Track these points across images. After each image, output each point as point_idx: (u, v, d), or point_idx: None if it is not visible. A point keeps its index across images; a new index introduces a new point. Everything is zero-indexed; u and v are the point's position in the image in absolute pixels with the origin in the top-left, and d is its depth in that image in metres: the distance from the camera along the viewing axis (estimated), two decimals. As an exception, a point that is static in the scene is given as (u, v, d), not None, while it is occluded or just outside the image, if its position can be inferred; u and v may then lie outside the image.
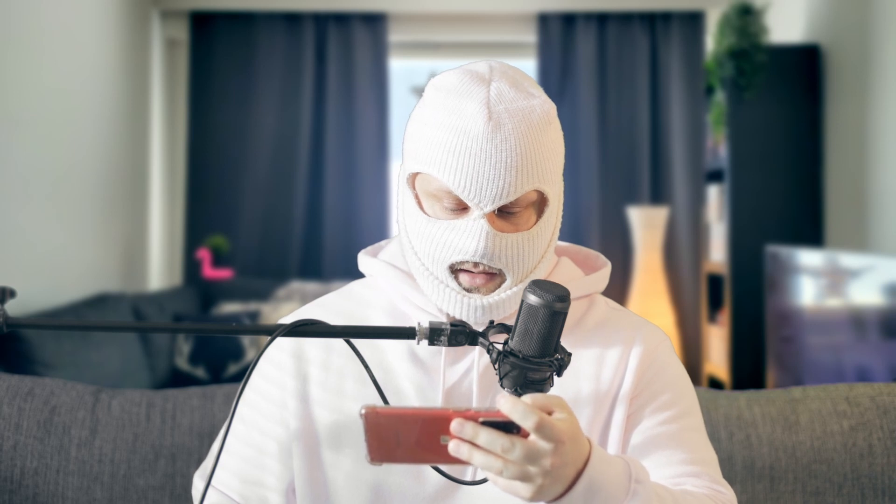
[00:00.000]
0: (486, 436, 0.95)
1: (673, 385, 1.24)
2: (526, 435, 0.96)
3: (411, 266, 1.21)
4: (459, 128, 1.13)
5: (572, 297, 1.23)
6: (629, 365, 1.23)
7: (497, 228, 1.14)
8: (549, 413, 0.98)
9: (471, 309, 1.17)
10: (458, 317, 1.19)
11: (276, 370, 1.26)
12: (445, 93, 1.16)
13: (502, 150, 1.12)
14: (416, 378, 1.21)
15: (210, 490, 1.26)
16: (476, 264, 1.16)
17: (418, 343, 1.12)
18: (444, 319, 1.20)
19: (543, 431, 0.95)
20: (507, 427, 0.95)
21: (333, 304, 1.30)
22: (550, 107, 1.17)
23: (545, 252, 1.20)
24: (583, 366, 1.22)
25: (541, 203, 1.18)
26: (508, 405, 0.95)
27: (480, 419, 0.95)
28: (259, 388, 1.27)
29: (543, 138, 1.14)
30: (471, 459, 0.95)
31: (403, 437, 0.97)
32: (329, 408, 1.23)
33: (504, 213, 1.15)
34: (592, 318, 1.26)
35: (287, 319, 1.26)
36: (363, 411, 0.96)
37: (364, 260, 1.30)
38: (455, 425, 0.95)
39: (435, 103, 1.17)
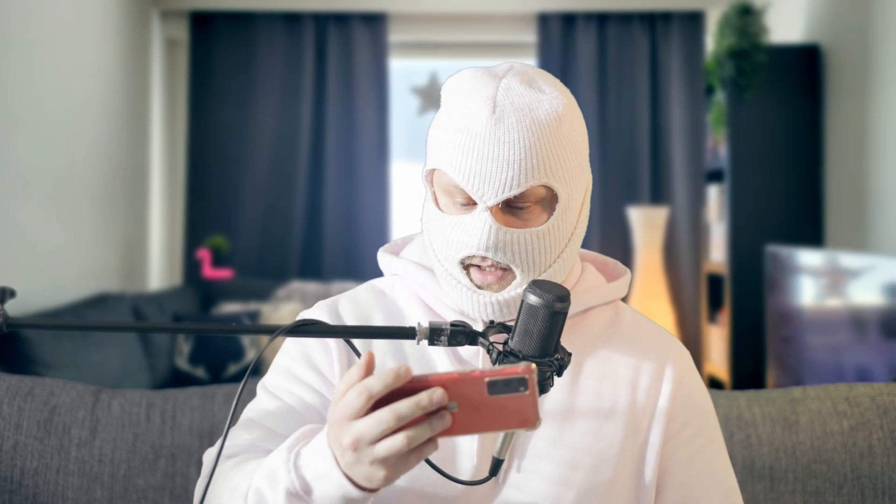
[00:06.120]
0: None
1: (701, 408, 1.26)
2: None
3: (433, 264, 1.22)
4: (465, 123, 1.14)
5: (598, 303, 1.25)
6: (664, 384, 1.24)
7: (504, 223, 1.14)
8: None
9: (481, 306, 1.17)
10: (471, 314, 1.19)
11: (324, 355, 1.24)
12: (457, 90, 1.17)
13: (504, 144, 1.12)
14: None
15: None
16: (484, 259, 1.16)
17: (418, 343, 1.11)
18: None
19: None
20: (513, 384, 0.94)
21: (367, 299, 1.29)
22: (562, 103, 1.15)
23: (560, 252, 1.19)
24: (621, 371, 1.23)
25: (551, 200, 1.17)
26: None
27: (487, 379, 0.94)
28: (305, 368, 1.25)
29: (552, 133, 1.13)
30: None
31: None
32: None
33: (513, 209, 1.15)
34: (625, 322, 1.27)
35: (323, 307, 1.27)
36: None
37: (386, 258, 1.30)
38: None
39: (447, 100, 1.18)
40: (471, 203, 1.15)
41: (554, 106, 1.14)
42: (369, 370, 0.97)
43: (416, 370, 1.22)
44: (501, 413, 0.95)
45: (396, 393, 0.95)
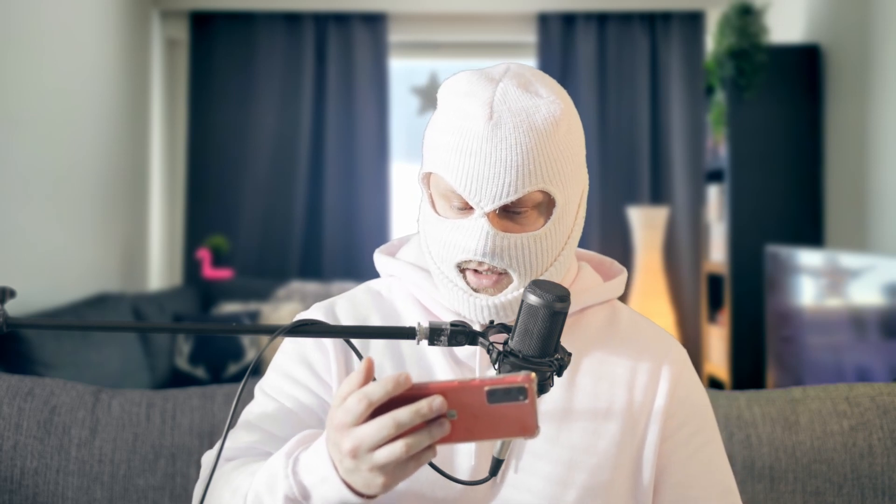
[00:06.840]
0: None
1: (698, 407, 1.26)
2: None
3: (429, 266, 1.22)
4: (462, 127, 1.14)
5: (594, 302, 1.25)
6: (661, 383, 1.24)
7: (501, 228, 1.14)
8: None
9: (477, 309, 1.17)
10: (467, 317, 1.19)
11: (321, 356, 1.24)
12: (454, 94, 1.17)
13: (502, 149, 1.11)
14: (453, 378, 1.21)
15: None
16: (481, 263, 1.16)
17: (418, 343, 1.11)
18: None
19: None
20: (513, 393, 0.94)
21: (365, 301, 1.28)
22: (559, 107, 1.15)
23: (558, 255, 1.19)
24: (618, 371, 1.23)
25: (548, 204, 1.16)
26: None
27: (486, 387, 0.94)
28: (302, 370, 1.24)
29: (549, 138, 1.13)
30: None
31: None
32: None
33: (510, 213, 1.15)
34: (623, 321, 1.27)
35: (319, 309, 1.26)
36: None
37: (382, 260, 1.29)
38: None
39: (443, 103, 1.18)
40: (467, 207, 1.15)
41: (551, 110, 1.14)
42: (369, 376, 0.98)
43: (414, 371, 1.22)
44: (501, 421, 0.95)
45: (396, 400, 0.95)
